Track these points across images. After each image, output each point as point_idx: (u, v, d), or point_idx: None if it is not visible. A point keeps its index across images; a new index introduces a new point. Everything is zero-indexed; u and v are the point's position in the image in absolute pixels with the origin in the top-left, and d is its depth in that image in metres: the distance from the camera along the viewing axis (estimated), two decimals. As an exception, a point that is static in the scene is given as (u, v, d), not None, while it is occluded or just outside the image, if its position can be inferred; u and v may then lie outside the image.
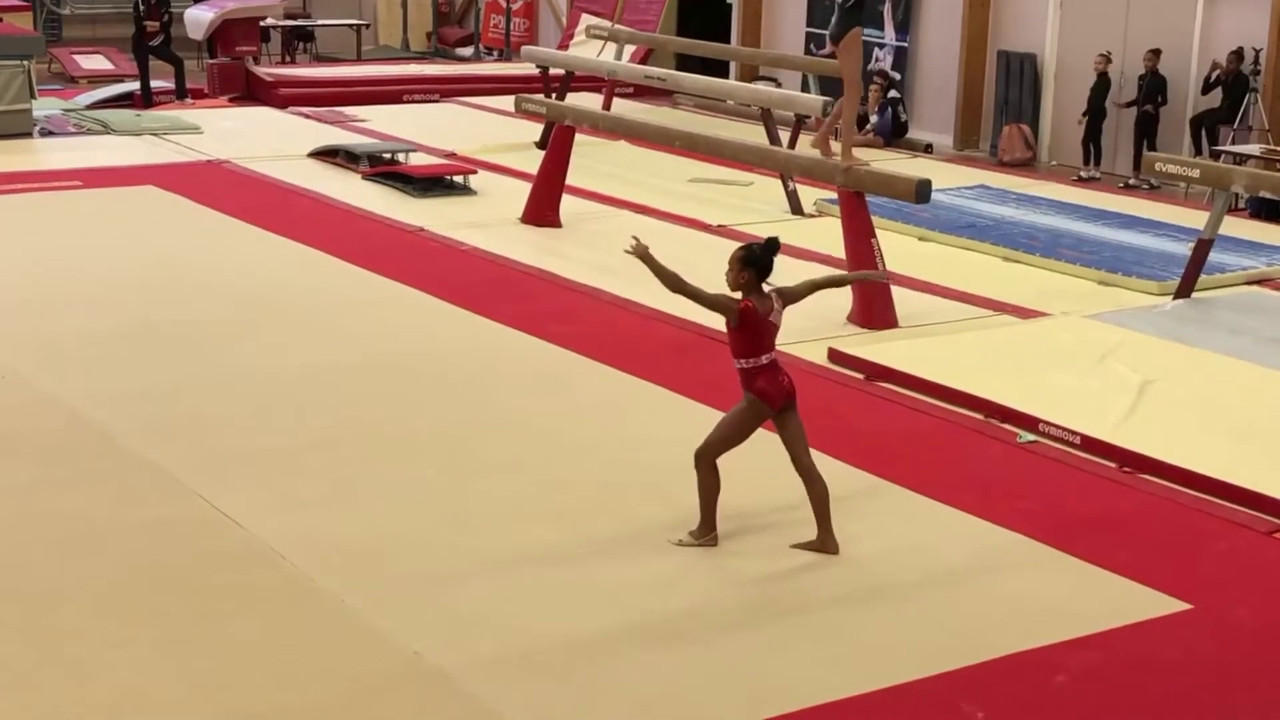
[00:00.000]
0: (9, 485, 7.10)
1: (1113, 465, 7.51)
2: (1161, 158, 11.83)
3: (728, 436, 6.48)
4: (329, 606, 5.97)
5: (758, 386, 6.39)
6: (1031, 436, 7.88)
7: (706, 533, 6.52)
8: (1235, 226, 12.58)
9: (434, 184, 14.08)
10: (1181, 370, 8.96)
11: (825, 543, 6.49)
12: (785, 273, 11.38)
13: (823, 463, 7.55)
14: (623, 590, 6.14)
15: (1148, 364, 8.91)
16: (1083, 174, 15.96)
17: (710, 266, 11.54)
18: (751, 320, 6.39)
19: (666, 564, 6.40)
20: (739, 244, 6.69)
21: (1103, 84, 15.93)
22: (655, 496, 7.15)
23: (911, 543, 6.70)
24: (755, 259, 6.44)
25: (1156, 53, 15.55)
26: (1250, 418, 8.21)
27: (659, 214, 13.30)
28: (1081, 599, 6.10)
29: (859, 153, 16.26)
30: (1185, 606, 6.07)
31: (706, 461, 6.47)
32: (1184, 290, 10.68)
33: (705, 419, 8.16)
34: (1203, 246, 10.66)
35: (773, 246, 6.50)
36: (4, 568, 6.26)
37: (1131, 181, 15.47)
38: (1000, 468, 7.60)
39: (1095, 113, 15.95)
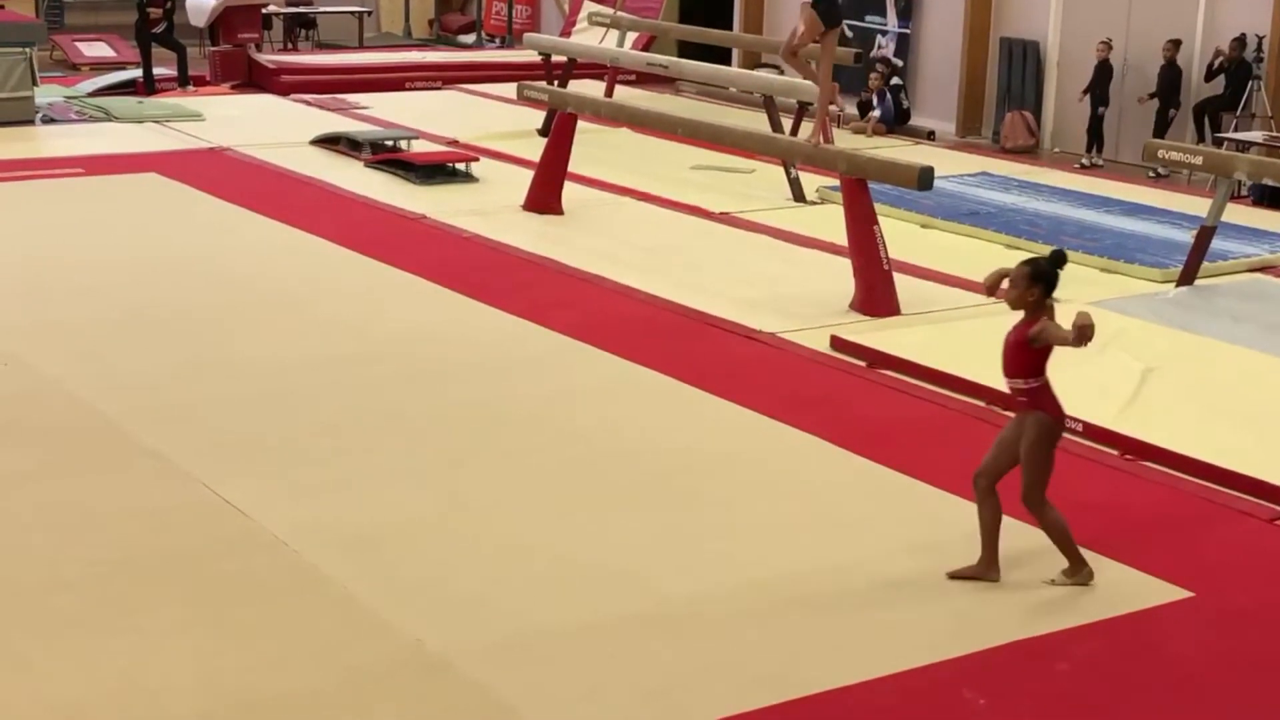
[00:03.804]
0: (11, 472, 7.10)
1: (1115, 453, 7.50)
2: (1164, 145, 11.82)
3: (1047, 469, 5.97)
4: (331, 593, 5.97)
5: (1046, 405, 5.97)
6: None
7: (1080, 568, 6.08)
8: (1238, 214, 12.57)
9: (436, 171, 14.07)
10: (1184, 357, 8.95)
11: (987, 568, 6.14)
12: (790, 258, 11.45)
13: (823, 450, 7.60)
14: (625, 577, 6.14)
15: (1150, 351, 8.90)
16: (1084, 161, 15.93)
17: (713, 253, 11.64)
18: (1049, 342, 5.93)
19: (668, 551, 6.40)
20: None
21: (1104, 71, 15.90)
22: (658, 483, 7.15)
23: (913, 530, 6.70)
24: (1044, 274, 5.90)
25: (1176, 43, 15.48)
26: (1253, 405, 8.21)
27: (661, 201, 13.30)
28: (1084, 587, 6.09)
29: (862, 140, 16.30)
30: (1187, 594, 6.07)
31: (1041, 501, 5.98)
32: (1187, 277, 10.67)
33: (707, 405, 8.21)
34: (1205, 234, 10.65)
35: (1059, 259, 5.98)
36: (5, 555, 6.26)
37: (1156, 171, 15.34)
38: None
39: (1097, 101, 15.92)
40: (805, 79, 13.16)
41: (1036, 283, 5.90)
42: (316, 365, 8.77)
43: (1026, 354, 5.94)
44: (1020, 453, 5.99)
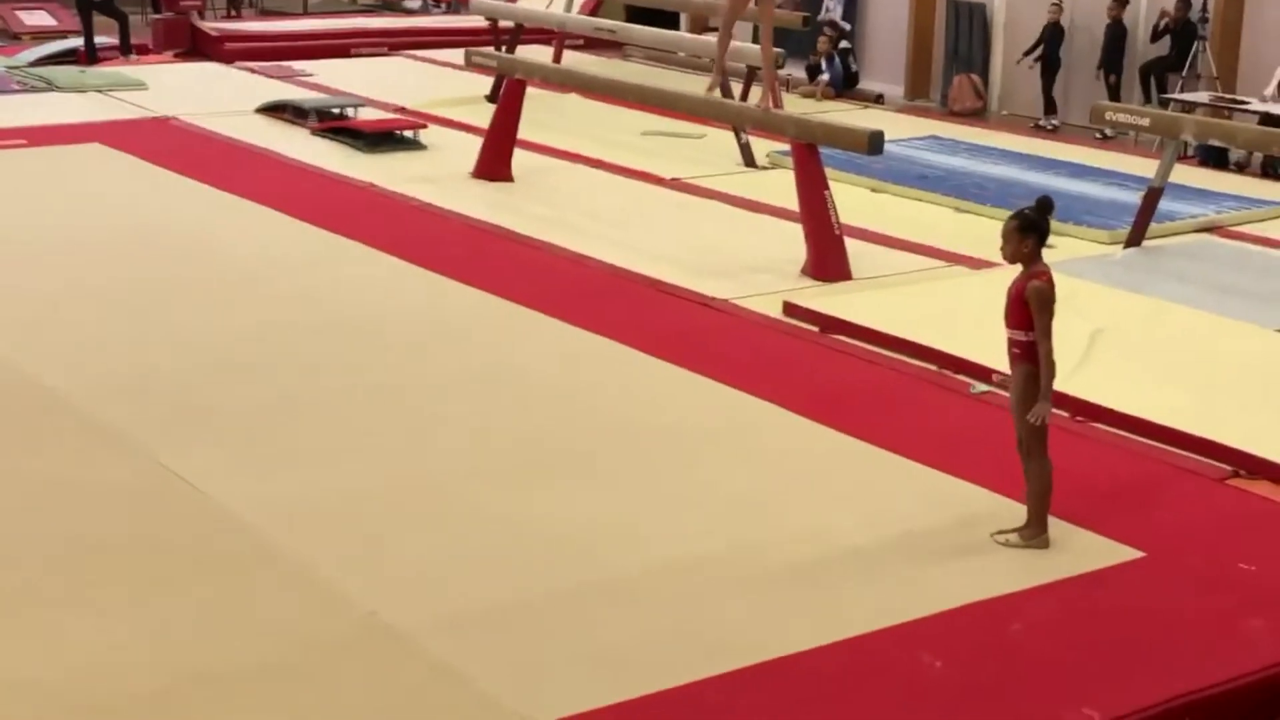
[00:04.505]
0: (-42, 449, 7.03)
1: (1065, 415, 7.55)
2: (1112, 107, 11.88)
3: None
4: (286, 567, 5.94)
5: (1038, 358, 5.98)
6: (984, 387, 7.91)
7: (1039, 531, 6.13)
8: (1185, 174, 12.65)
9: (384, 139, 13.97)
10: (1133, 319, 9.01)
11: (1033, 534, 6.14)
12: (741, 224, 11.45)
13: (777, 416, 7.62)
14: (578, 548, 6.14)
15: (1099, 313, 8.95)
16: (1042, 123, 16.01)
17: (664, 218, 11.63)
18: (1053, 293, 5.92)
19: (626, 518, 6.40)
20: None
21: (1056, 33, 15.94)
22: (613, 450, 7.16)
23: (867, 494, 6.73)
24: (1033, 223, 5.93)
25: (1123, 3, 15.55)
26: (1201, 365, 8.27)
27: (611, 167, 13.27)
28: (1037, 550, 6.13)
29: (811, 104, 16.29)
30: (1139, 554, 6.12)
31: (1040, 455, 6.05)
32: (1134, 239, 10.74)
33: (660, 372, 8.21)
34: (1153, 195, 10.72)
35: (1046, 206, 6.01)
36: (-45, 532, 6.21)
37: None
38: (954, 419, 7.64)
39: (1050, 63, 15.98)
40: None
41: (1028, 234, 5.97)
42: (266, 336, 8.71)
43: (1027, 308, 5.97)
44: (1012, 404, 6.06)
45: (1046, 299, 5.92)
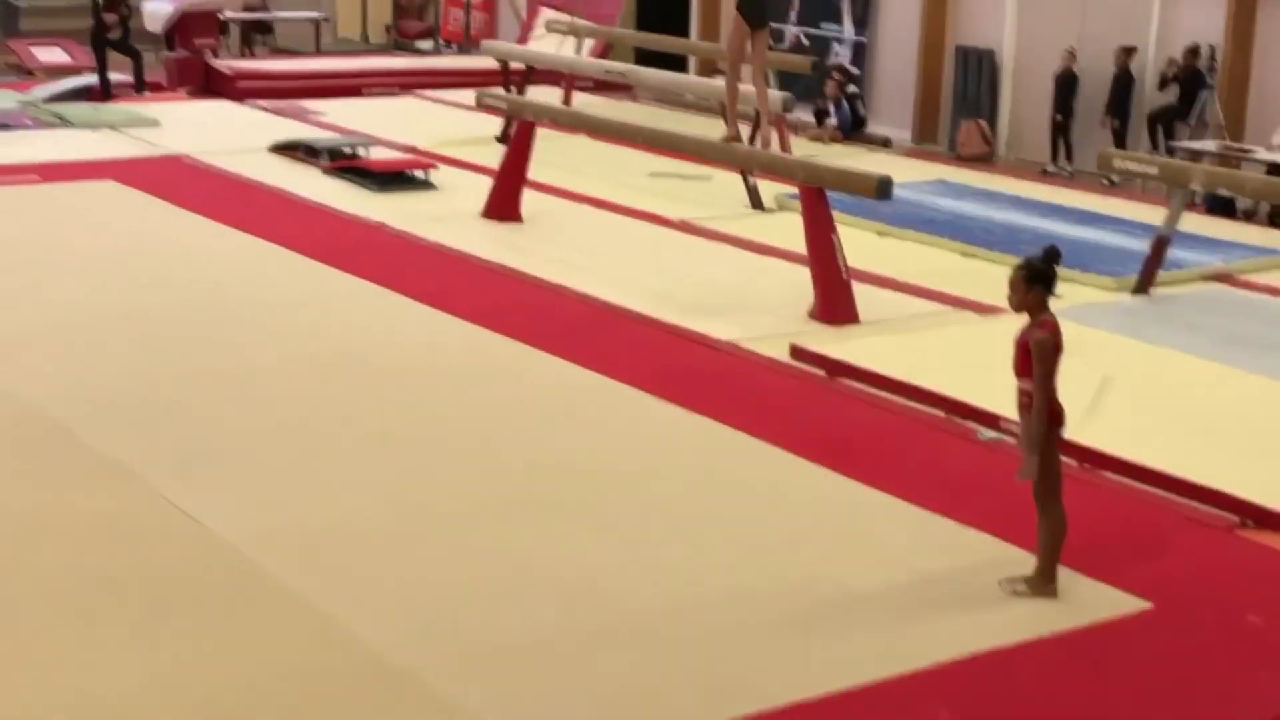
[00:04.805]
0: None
1: (1073, 463, 7.54)
2: (1119, 154, 11.93)
3: (1055, 469, 6.06)
4: (289, 603, 5.95)
5: (1049, 407, 5.98)
6: (993, 434, 7.91)
7: (1048, 582, 6.12)
8: (1192, 222, 12.66)
9: (395, 179, 14.03)
10: (1141, 367, 9.02)
11: (1042, 584, 6.13)
12: (748, 266, 11.48)
13: (783, 460, 7.62)
14: (586, 589, 6.15)
15: (1106, 361, 8.96)
16: (1049, 168, 16.06)
17: (671, 260, 11.65)
18: (1059, 342, 5.94)
19: (630, 560, 6.41)
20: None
21: (1069, 80, 15.99)
22: (618, 494, 7.16)
23: (873, 540, 6.73)
24: (1040, 273, 5.98)
25: (1129, 50, 15.61)
26: (1210, 415, 8.28)
27: (620, 209, 13.31)
28: (1044, 599, 6.12)
29: (819, 147, 16.35)
30: (1147, 605, 6.11)
31: (1055, 503, 6.04)
32: (1142, 286, 10.76)
33: (667, 414, 8.22)
34: (1161, 243, 10.74)
35: (1053, 255, 6.04)
36: (-38, 566, 6.22)
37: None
38: (962, 465, 7.64)
39: (1064, 110, 16.03)
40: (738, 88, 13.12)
41: (1034, 283, 6.00)
42: (273, 372, 8.74)
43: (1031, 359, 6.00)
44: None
45: (1047, 350, 5.93)
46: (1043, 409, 5.95)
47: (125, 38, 18.75)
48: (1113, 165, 11.57)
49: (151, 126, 16.61)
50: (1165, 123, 15.52)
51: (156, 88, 19.24)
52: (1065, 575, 6.23)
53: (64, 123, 16.67)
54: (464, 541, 6.57)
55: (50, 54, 21.17)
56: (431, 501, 7.02)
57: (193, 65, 19.69)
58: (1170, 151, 14.84)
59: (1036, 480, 6.06)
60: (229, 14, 21.64)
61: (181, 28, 19.93)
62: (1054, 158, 16.19)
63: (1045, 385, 5.95)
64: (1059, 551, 6.14)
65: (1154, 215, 12.13)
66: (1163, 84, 15.55)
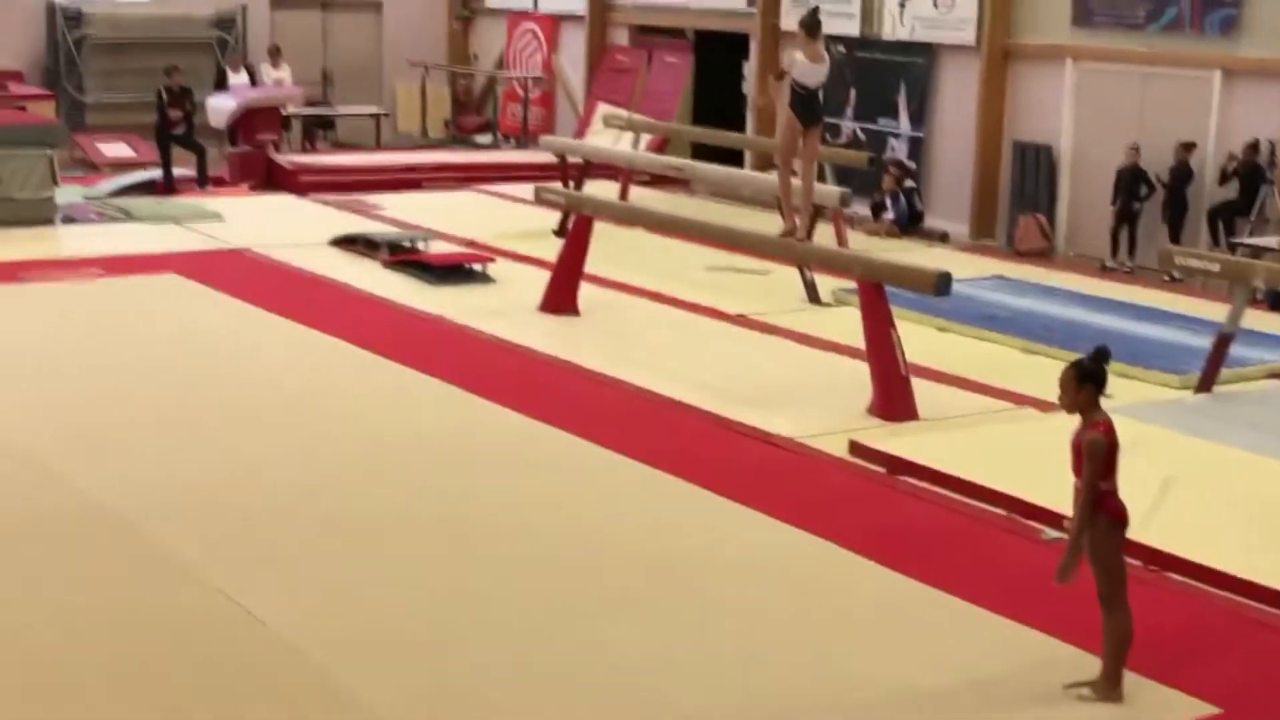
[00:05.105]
0: (28, 575, 7.08)
1: (1138, 564, 7.43)
2: (1181, 251, 11.85)
3: (1120, 570, 5.99)
4: (347, 700, 5.92)
5: (1112, 507, 5.95)
6: (1056, 534, 7.80)
7: (1113, 687, 6.02)
8: (1255, 319, 12.54)
9: (453, 272, 14.13)
10: (1205, 466, 8.91)
11: (1107, 688, 6.03)
12: (806, 361, 11.45)
13: (842, 558, 7.55)
14: (645, 683, 6.09)
15: (1170, 460, 8.85)
16: (1109, 264, 15.97)
17: (728, 355, 11.64)
18: (1114, 442, 5.93)
19: (686, 656, 6.35)
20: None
21: (1133, 176, 15.92)
22: (674, 590, 7.11)
23: (934, 641, 6.64)
24: (1090, 373, 5.97)
25: (1188, 146, 15.56)
26: (1274, 514, 8.16)
27: (677, 302, 13.33)
28: (1110, 704, 6.01)
29: (876, 241, 16.34)
30: (1215, 710, 6.00)
31: (1120, 605, 5.97)
32: (1205, 384, 10.65)
33: (724, 510, 8.17)
34: (1224, 340, 10.65)
35: (1103, 355, 6.04)
36: (21, 660, 6.23)
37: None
38: (1024, 565, 7.54)
39: (1129, 205, 15.96)
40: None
41: (1085, 383, 5.97)
42: (333, 466, 8.77)
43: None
44: (1089, 555, 5.97)
45: (1099, 449, 5.88)
46: (1086, 509, 5.90)
47: (189, 133, 19.04)
48: (1174, 262, 11.51)
49: (214, 220, 16.80)
50: (1226, 218, 15.44)
51: (219, 182, 19.49)
52: (1131, 679, 6.13)
53: (128, 217, 16.88)
54: (519, 637, 6.54)
55: (115, 149, 21.50)
56: (486, 595, 6.99)
57: (255, 160, 19.94)
58: (1232, 248, 14.74)
59: (1101, 583, 5.97)
60: (291, 109, 21.94)
61: (244, 123, 20.22)
62: (1114, 253, 16.11)
63: (1091, 485, 5.89)
64: (1125, 655, 6.04)
65: (1215, 311, 12.04)
66: (1223, 179, 15.48)
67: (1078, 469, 5.99)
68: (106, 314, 12.46)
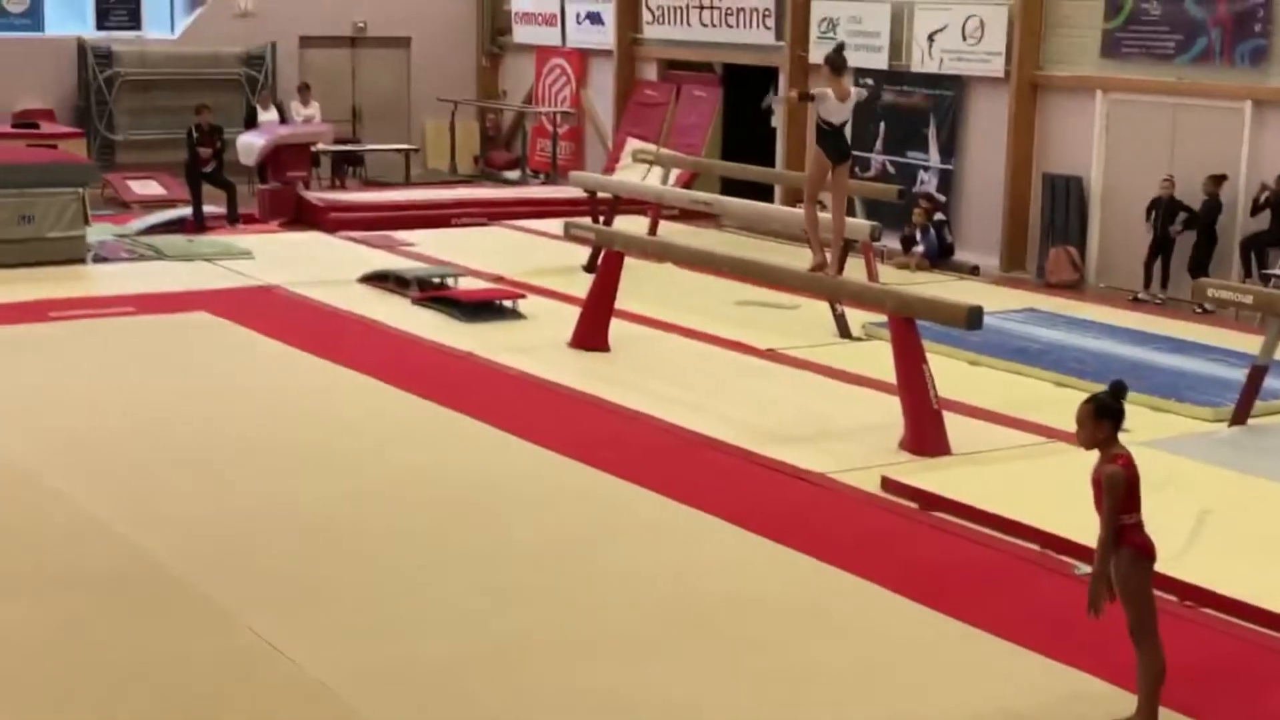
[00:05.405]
0: (61, 618, 7.08)
1: (1174, 599, 7.38)
2: (1213, 283, 11.78)
3: (1148, 605, 5.95)
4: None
5: (1138, 541, 5.91)
6: (1088, 569, 7.70)
7: None
8: (1289, 351, 12.47)
9: (483, 308, 14.15)
10: (1240, 500, 8.84)
11: None
12: (837, 396, 11.41)
13: (874, 595, 7.51)
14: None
15: (1205, 493, 8.79)
16: (1141, 295, 15.88)
17: (759, 390, 11.62)
18: (1134, 475, 5.92)
19: (717, 697, 6.31)
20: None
21: (1171, 208, 15.84)
22: (705, 628, 7.07)
23: (967, 678, 6.59)
24: (1107, 408, 5.93)
25: (1218, 179, 15.48)
26: (1312, 549, 8.08)
27: (706, 337, 13.32)
28: (1146, 739, 5.97)
29: (906, 275, 16.31)
30: (1253, 748, 5.94)
31: (1151, 640, 5.92)
32: (1239, 417, 10.57)
33: (756, 548, 8.13)
34: (1257, 372, 10.57)
35: (1120, 390, 6.01)
36: (56, 702, 6.23)
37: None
38: (1057, 600, 7.48)
39: (1164, 237, 15.88)
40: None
41: (1102, 418, 5.92)
42: (362, 503, 8.77)
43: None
44: (1118, 591, 5.93)
45: (1118, 482, 5.84)
46: (1104, 541, 5.85)
47: (219, 170, 19.15)
48: (1207, 294, 11.44)
49: (244, 258, 16.86)
50: (1258, 249, 15.36)
51: (249, 219, 19.57)
52: (1167, 716, 6.06)
53: (159, 255, 16.96)
54: (548, 677, 6.51)
55: (146, 187, 21.62)
56: (516, 635, 6.96)
57: (285, 197, 20.03)
58: (1264, 279, 14.66)
59: (1130, 618, 5.91)
60: (320, 146, 22.04)
61: (274, 160, 20.32)
62: (1147, 284, 16.03)
63: (1111, 519, 5.85)
64: (1159, 691, 5.97)
65: (1248, 343, 11.97)
66: (1255, 209, 15.41)
67: (1099, 503, 5.94)
68: (138, 352, 12.50)
